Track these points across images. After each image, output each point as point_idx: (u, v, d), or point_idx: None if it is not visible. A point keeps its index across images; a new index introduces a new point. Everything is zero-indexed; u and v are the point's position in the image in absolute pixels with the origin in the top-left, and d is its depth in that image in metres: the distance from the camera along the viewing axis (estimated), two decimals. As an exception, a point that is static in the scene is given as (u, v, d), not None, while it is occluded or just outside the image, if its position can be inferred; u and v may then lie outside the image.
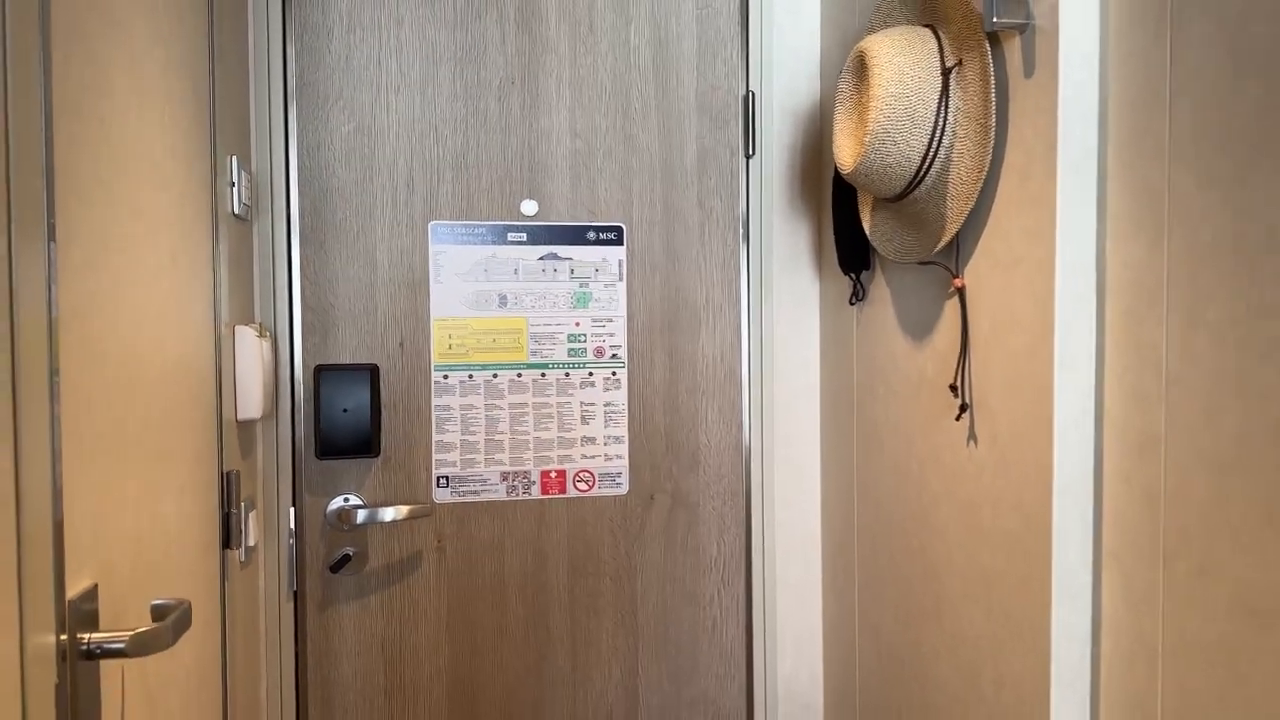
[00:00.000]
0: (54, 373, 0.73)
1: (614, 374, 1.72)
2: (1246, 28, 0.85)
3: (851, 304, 1.61)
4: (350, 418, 1.62)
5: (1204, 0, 0.90)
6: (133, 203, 0.95)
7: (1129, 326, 1.01)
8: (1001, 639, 1.17)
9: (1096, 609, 1.07)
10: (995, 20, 1.10)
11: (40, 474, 0.71)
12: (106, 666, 0.84)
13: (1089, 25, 1.04)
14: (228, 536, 1.35)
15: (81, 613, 0.78)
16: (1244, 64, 0.85)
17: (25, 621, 0.69)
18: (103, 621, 0.83)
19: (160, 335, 1.04)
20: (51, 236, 0.72)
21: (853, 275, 1.59)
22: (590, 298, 1.71)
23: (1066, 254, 1.05)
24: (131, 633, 0.79)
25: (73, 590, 0.77)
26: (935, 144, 1.20)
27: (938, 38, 1.23)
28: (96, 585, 0.82)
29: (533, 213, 1.69)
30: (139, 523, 0.95)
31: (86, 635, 0.78)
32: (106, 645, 0.78)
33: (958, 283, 1.25)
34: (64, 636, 0.75)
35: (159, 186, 1.04)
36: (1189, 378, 0.92)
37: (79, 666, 0.77)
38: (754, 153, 1.74)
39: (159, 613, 0.88)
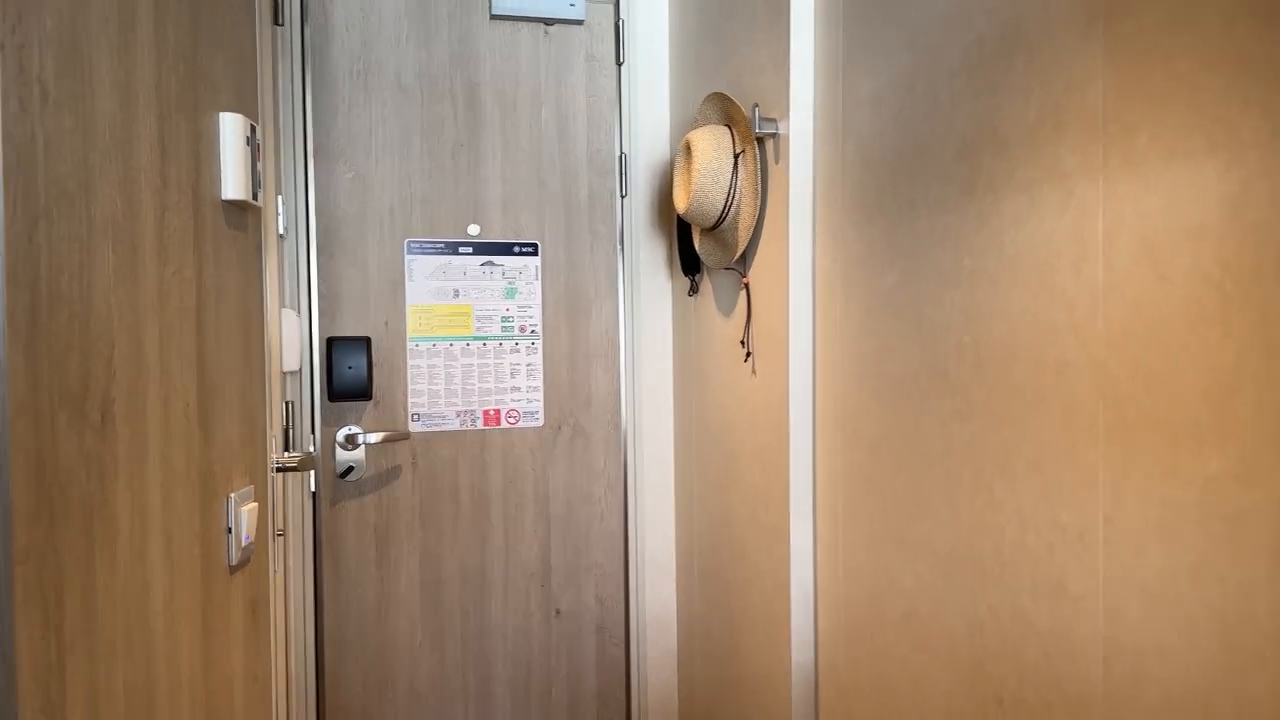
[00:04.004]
0: (271, 349, 1.38)
1: (533, 344, 2.41)
2: (869, 144, 1.60)
3: (690, 295, 2.34)
4: (353, 373, 2.26)
5: (853, 129, 1.64)
6: (273, 229, 1.60)
7: (824, 303, 1.75)
8: (767, 485, 1.90)
9: (813, 461, 1.81)
10: (758, 130, 1.84)
11: (264, 394, 1.35)
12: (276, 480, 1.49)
13: (807, 137, 1.78)
14: (287, 443, 1.99)
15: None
16: (868, 163, 1.60)
17: (268, 456, 1.34)
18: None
19: (269, 316, 1.68)
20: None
21: (691, 276, 2.31)
22: (516, 291, 2.39)
23: (795, 265, 1.79)
24: (297, 459, 1.44)
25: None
26: (730, 199, 1.93)
27: (731, 134, 1.96)
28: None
29: (476, 233, 2.36)
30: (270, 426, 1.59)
31: (278, 458, 1.43)
32: (287, 464, 1.43)
33: (745, 281, 1.99)
34: (275, 457, 1.40)
35: (272, 217, 1.69)
36: (847, 327, 1.67)
37: (276, 476, 1.42)
38: (627, 194, 2.45)
39: (297, 455, 1.53)
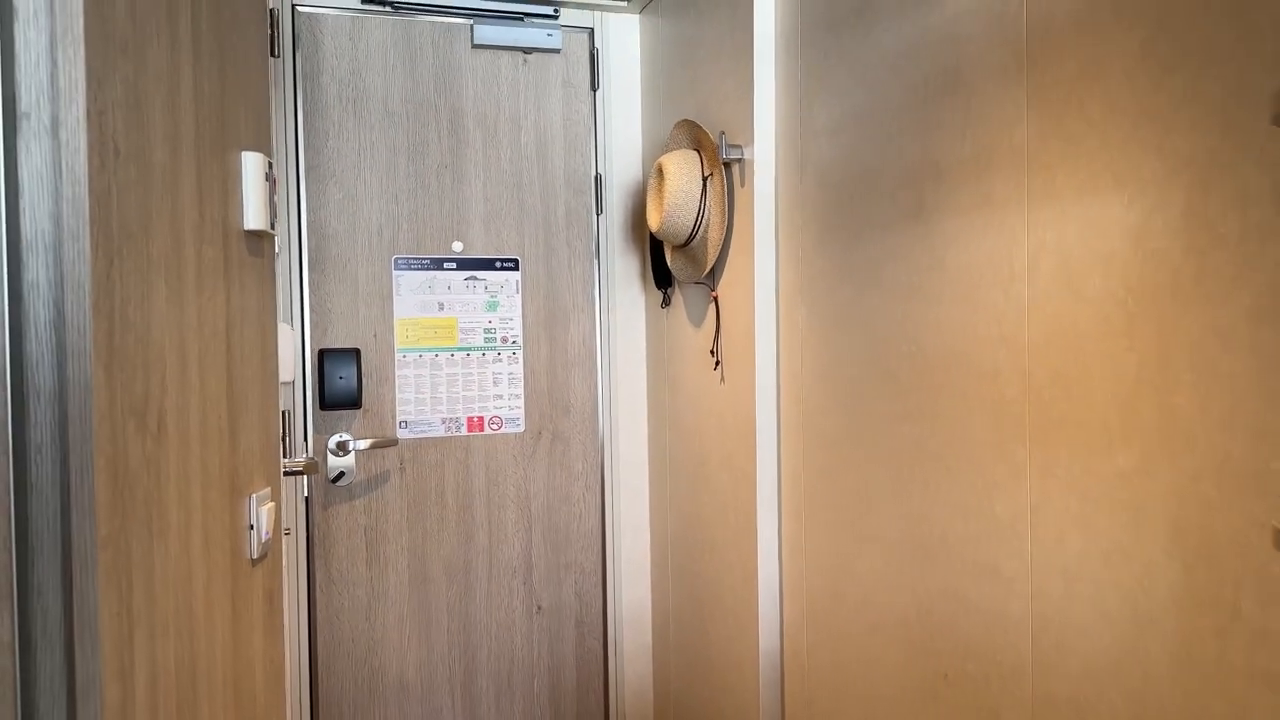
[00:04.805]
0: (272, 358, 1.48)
1: (514, 354, 2.52)
2: (826, 170, 1.73)
3: (662, 307, 2.46)
4: (343, 383, 2.37)
5: (811, 156, 1.78)
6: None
7: (787, 315, 1.88)
8: (736, 485, 2.03)
9: (778, 461, 1.94)
10: (725, 155, 1.97)
11: (276, 405, 1.46)
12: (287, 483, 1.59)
13: (770, 163, 1.91)
14: (283, 450, 2.08)
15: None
16: (825, 189, 1.74)
17: (280, 461, 1.44)
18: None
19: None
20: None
21: (663, 290, 2.44)
22: (498, 304, 2.50)
23: (760, 280, 1.92)
24: (302, 464, 1.55)
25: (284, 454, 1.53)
26: (699, 219, 2.06)
27: (700, 158, 2.08)
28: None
29: (460, 250, 2.48)
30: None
31: (286, 462, 1.53)
32: (293, 468, 1.54)
33: (714, 295, 2.11)
34: (285, 465, 1.50)
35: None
36: (809, 335, 1.80)
37: (285, 478, 1.52)
38: (602, 211, 2.58)
39: (302, 460, 1.64)
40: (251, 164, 1.19)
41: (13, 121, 0.76)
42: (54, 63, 0.76)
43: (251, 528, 1.19)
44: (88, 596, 0.77)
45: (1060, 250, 1.20)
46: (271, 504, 1.27)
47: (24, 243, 0.77)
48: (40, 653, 0.77)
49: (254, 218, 1.19)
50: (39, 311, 0.77)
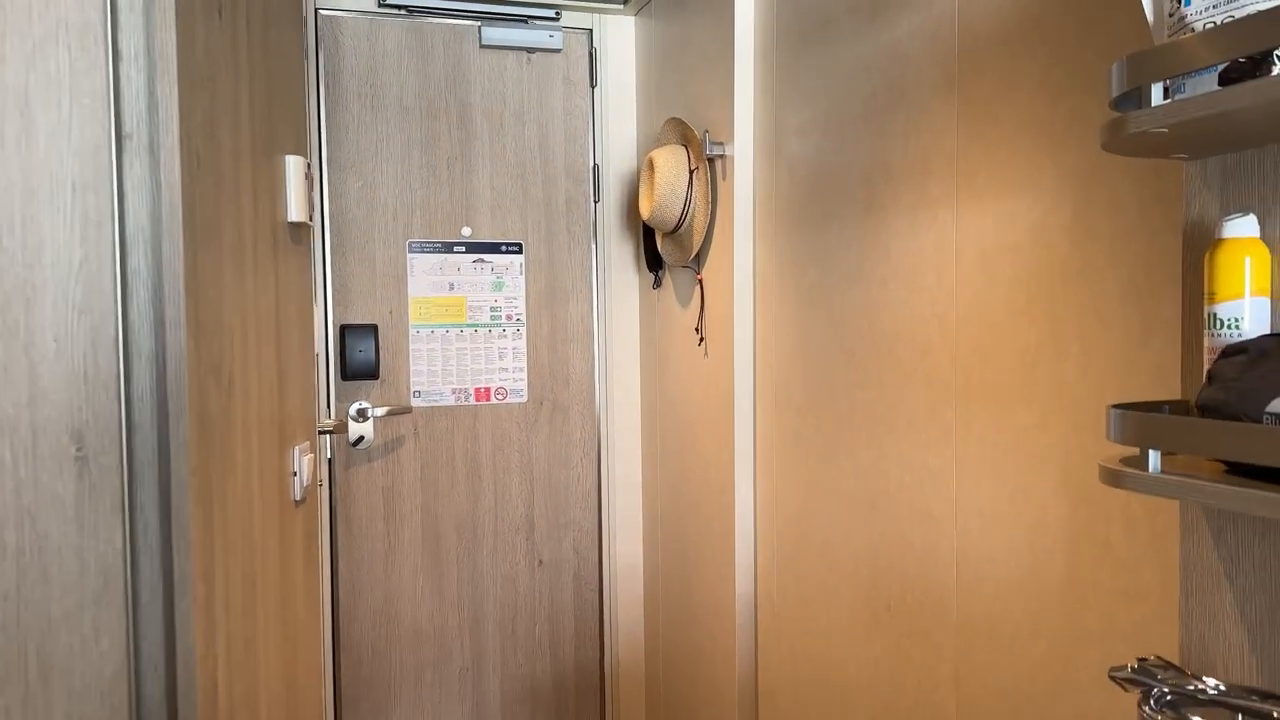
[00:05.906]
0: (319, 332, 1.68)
1: (518, 330, 2.72)
2: (796, 167, 1.92)
3: (654, 288, 2.66)
4: (363, 355, 2.57)
5: (784, 154, 1.97)
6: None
7: (763, 296, 2.08)
8: (717, 448, 2.24)
9: (754, 426, 2.14)
10: (709, 151, 2.16)
11: (314, 372, 1.66)
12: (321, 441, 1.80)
13: (748, 159, 2.10)
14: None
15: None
16: (796, 184, 1.93)
17: (316, 420, 1.64)
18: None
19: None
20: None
21: (655, 272, 2.63)
22: (504, 285, 2.70)
23: (739, 265, 2.11)
24: (333, 425, 1.75)
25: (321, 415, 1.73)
26: (686, 209, 2.25)
27: (688, 153, 2.27)
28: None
29: (469, 234, 2.67)
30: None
31: (319, 423, 1.74)
32: (325, 428, 1.74)
33: (699, 277, 2.31)
34: (319, 424, 1.70)
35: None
36: (782, 314, 2.00)
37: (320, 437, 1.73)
38: (600, 199, 2.77)
39: (332, 421, 1.84)
40: (293, 166, 1.38)
41: (119, 141, 0.96)
42: (151, 94, 0.96)
43: (295, 474, 1.40)
44: (183, 513, 0.97)
45: (979, 242, 1.39)
46: (311, 455, 1.47)
47: (128, 237, 0.97)
48: (143, 558, 0.98)
49: (296, 211, 1.39)
50: (139, 291, 0.97)
